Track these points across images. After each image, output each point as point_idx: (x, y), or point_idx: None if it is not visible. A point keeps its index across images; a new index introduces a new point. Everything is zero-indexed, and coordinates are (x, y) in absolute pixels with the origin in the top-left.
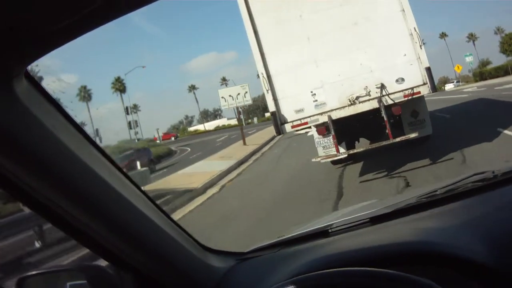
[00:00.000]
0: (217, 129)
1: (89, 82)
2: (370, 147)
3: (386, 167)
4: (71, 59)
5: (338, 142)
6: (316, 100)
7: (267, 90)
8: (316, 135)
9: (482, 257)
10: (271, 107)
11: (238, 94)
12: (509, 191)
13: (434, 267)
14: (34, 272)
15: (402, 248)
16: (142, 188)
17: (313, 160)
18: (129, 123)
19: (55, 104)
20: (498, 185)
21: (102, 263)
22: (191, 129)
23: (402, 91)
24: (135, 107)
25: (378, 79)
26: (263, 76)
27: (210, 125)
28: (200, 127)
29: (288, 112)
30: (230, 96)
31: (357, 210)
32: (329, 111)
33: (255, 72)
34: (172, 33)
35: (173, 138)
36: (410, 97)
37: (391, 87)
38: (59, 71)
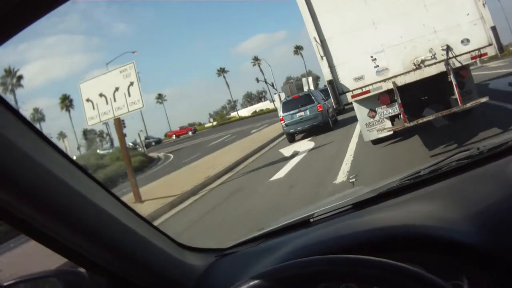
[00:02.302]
0: (254, 114)
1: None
2: (440, 115)
3: (449, 139)
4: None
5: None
6: (378, 66)
7: (321, 57)
8: (361, 113)
9: (469, 238)
10: (327, 75)
11: (116, 90)
12: (495, 167)
13: (421, 252)
14: (8, 283)
15: (385, 233)
16: None
17: (371, 137)
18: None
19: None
20: (484, 162)
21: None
22: (234, 114)
23: (468, 52)
24: (160, 97)
25: (443, 40)
26: (316, 41)
27: (250, 109)
28: (242, 113)
29: (346, 81)
30: (102, 96)
31: (340, 198)
32: (392, 77)
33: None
34: (220, 16)
35: (190, 133)
36: (478, 59)
37: (457, 48)
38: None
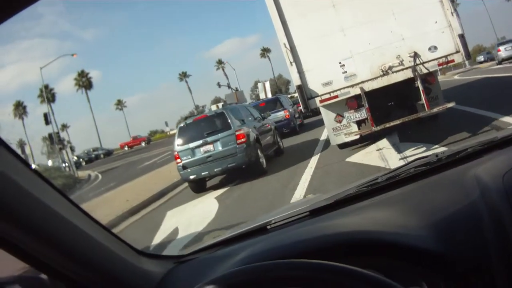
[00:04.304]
0: None
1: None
2: (406, 119)
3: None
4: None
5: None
6: (346, 72)
7: (290, 63)
8: (328, 118)
9: (425, 243)
10: (296, 80)
11: None
12: (453, 174)
13: (378, 258)
14: None
15: (341, 238)
16: None
17: (338, 141)
18: (49, 136)
19: None
20: (442, 169)
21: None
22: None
23: (436, 59)
24: (120, 103)
25: (411, 47)
26: (285, 47)
27: None
28: None
29: (315, 86)
30: None
31: (297, 205)
32: (360, 82)
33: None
34: (192, 18)
35: (143, 144)
36: (445, 65)
37: (424, 55)
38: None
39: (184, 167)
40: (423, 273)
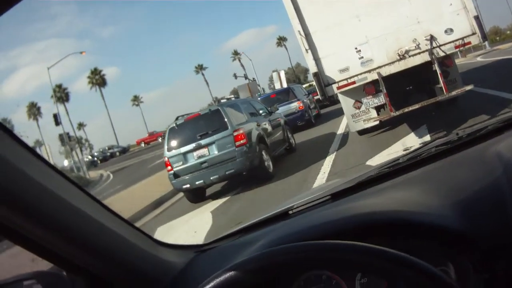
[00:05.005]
0: None
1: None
2: (425, 103)
3: (438, 126)
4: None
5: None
6: (362, 57)
7: (306, 50)
8: (346, 105)
9: (449, 222)
10: (312, 67)
11: None
12: (474, 152)
13: (402, 238)
14: None
15: (363, 219)
16: None
17: (357, 128)
18: (60, 137)
19: None
20: (463, 147)
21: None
22: None
23: (452, 41)
24: (136, 99)
25: (426, 30)
26: (300, 34)
27: None
28: None
29: (332, 72)
30: None
31: (318, 190)
32: (377, 67)
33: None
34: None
35: (159, 139)
36: (462, 48)
37: (440, 38)
38: None
39: (176, 175)
40: (448, 253)
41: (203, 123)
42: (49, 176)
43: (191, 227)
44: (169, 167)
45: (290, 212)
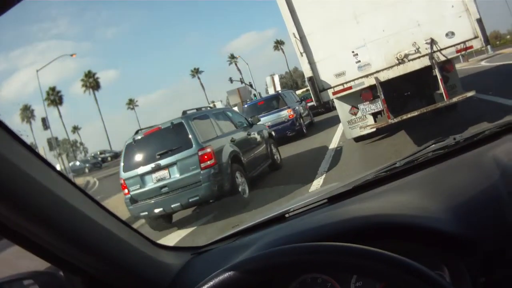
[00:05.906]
0: None
1: None
2: (425, 110)
3: (437, 134)
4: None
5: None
6: (359, 61)
7: (301, 53)
8: (342, 111)
9: (447, 226)
10: (307, 72)
11: None
12: (471, 156)
13: (397, 242)
14: None
15: (360, 222)
16: None
17: (354, 135)
18: (48, 142)
19: None
20: (460, 152)
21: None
22: None
23: (453, 45)
24: (131, 102)
25: (427, 33)
26: (295, 37)
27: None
28: None
29: (327, 77)
30: None
31: (315, 194)
32: (375, 72)
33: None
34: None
35: None
36: (463, 52)
37: (441, 42)
38: None
39: (133, 200)
40: (444, 257)
41: (164, 140)
42: (48, 176)
43: None
44: (126, 190)
45: (287, 215)
